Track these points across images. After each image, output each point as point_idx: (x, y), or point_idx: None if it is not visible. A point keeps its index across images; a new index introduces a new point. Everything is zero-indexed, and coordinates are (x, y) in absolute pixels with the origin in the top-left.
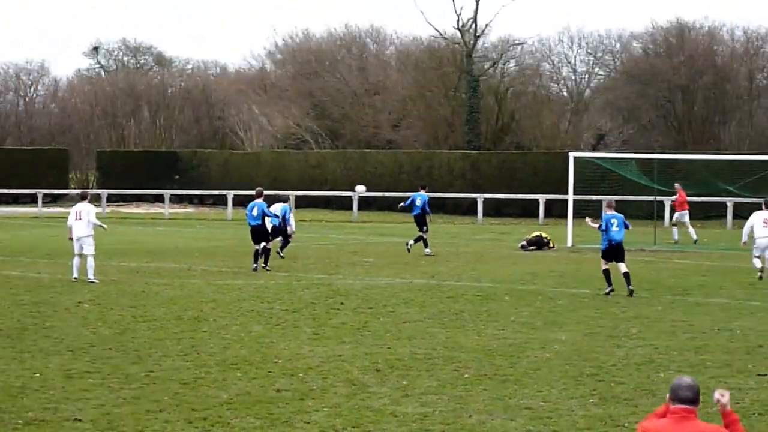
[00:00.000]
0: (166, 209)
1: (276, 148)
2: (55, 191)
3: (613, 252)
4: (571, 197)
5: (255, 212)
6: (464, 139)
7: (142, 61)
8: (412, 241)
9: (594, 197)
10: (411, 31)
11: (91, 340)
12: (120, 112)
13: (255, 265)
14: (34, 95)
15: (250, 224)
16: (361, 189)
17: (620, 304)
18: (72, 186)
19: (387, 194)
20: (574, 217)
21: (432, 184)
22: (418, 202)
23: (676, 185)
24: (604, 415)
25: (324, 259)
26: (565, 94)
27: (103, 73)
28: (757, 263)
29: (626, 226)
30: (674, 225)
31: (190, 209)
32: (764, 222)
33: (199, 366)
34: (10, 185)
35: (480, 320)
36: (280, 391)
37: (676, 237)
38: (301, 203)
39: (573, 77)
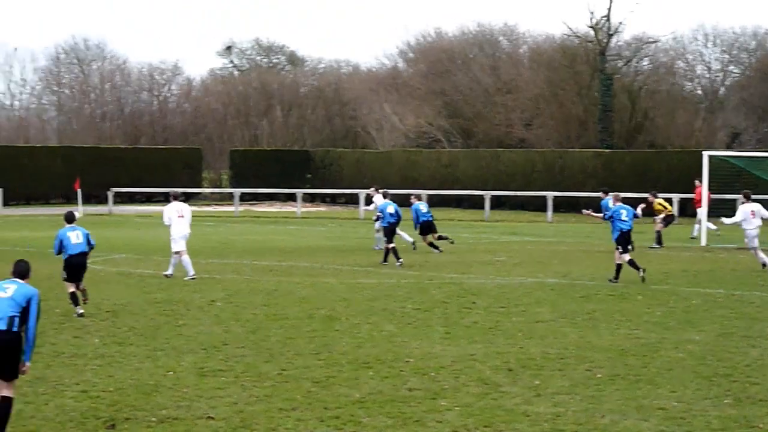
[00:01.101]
0: (299, 208)
1: (408, 147)
2: (189, 190)
3: (624, 241)
4: (705, 196)
5: (391, 210)
6: (597, 138)
7: (275, 61)
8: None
9: (728, 196)
10: (544, 29)
11: (224, 338)
12: (253, 111)
13: (400, 261)
14: (168, 95)
15: (390, 222)
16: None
17: (755, 305)
18: (205, 185)
19: (519, 193)
20: (708, 216)
21: (564, 182)
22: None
23: (696, 182)
24: (738, 416)
25: (456, 258)
26: (700, 92)
27: (236, 72)
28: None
29: (635, 216)
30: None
31: (322, 208)
32: (752, 214)
33: (331, 365)
34: (144, 184)
35: (613, 320)
36: (411, 390)
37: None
38: (433, 202)
39: (707, 75)
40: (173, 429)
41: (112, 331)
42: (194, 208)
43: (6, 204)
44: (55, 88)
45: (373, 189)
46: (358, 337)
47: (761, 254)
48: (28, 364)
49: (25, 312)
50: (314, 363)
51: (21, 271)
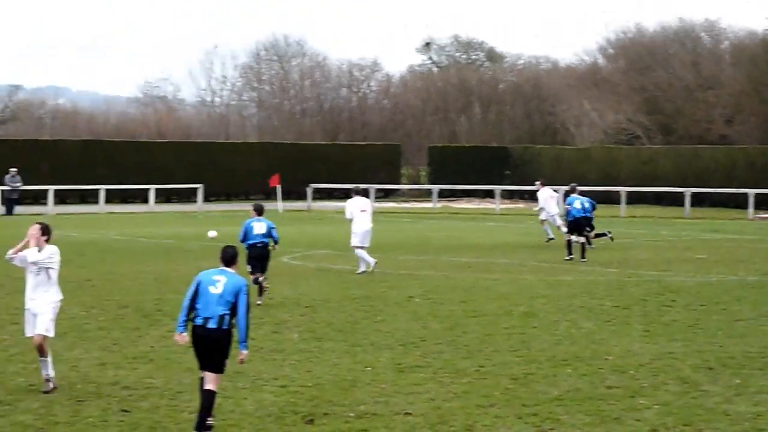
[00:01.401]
0: (497, 204)
1: (606, 143)
2: (387, 186)
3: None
4: None
5: (578, 205)
6: None
7: (474, 57)
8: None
9: None
10: (746, 24)
11: (421, 334)
12: (451, 107)
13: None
14: (367, 91)
15: (575, 217)
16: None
17: None
18: (403, 181)
19: (719, 190)
20: None
21: (767, 180)
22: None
23: None
24: None
25: (655, 256)
26: None
27: (434, 69)
28: None
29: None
30: None
31: (521, 204)
32: None
33: (530, 362)
34: (342, 180)
35: None
36: (610, 388)
37: None
38: (632, 199)
39: None
40: (371, 425)
41: (310, 327)
42: (392, 204)
43: (206, 200)
44: (256, 85)
45: (538, 183)
46: (556, 335)
47: None
48: (245, 352)
49: (234, 307)
50: (512, 360)
51: (227, 258)
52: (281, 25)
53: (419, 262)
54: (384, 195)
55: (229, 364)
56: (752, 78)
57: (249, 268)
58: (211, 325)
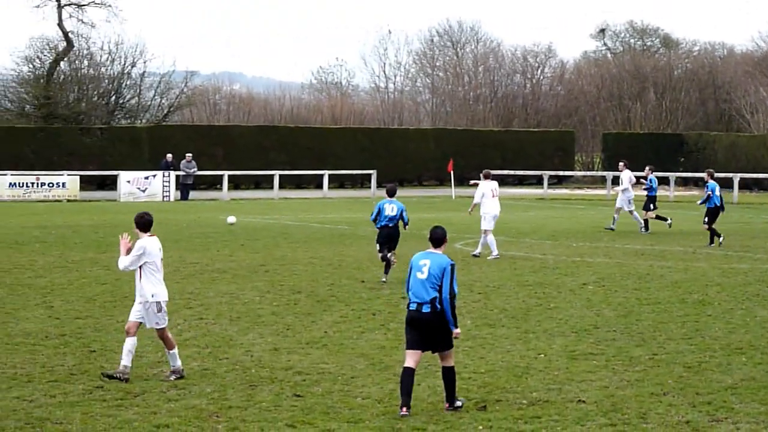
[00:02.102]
0: (671, 192)
1: None
2: (560, 173)
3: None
4: None
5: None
6: None
7: (649, 43)
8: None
9: None
10: None
11: (595, 321)
12: (626, 94)
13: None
14: (541, 77)
15: (716, 204)
16: (231, 220)
17: None
18: (577, 168)
19: None
20: None
21: None
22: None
23: None
24: None
25: None
26: None
27: (609, 55)
28: None
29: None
30: None
31: (695, 192)
32: None
33: (703, 350)
34: (516, 167)
35: None
36: None
37: None
38: None
39: None
40: (543, 412)
41: (483, 313)
42: (565, 191)
43: (379, 186)
44: (429, 71)
45: (621, 164)
46: (730, 323)
47: None
48: (456, 330)
49: (440, 288)
50: (686, 348)
51: (437, 237)
52: (455, 11)
53: (593, 249)
54: (557, 181)
55: (398, 353)
56: None
57: (378, 247)
58: (426, 309)
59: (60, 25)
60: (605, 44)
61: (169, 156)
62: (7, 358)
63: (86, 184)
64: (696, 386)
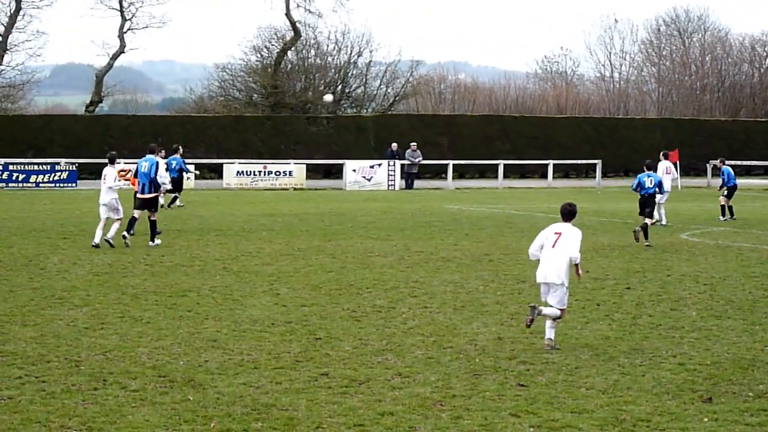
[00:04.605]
0: None
1: None
2: None
3: None
4: None
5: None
6: None
7: None
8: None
9: None
10: None
11: None
12: None
13: None
14: None
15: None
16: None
17: None
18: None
19: None
20: None
21: None
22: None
23: None
24: None
25: None
26: None
27: None
28: None
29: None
30: None
31: None
32: None
33: None
34: (744, 157)
35: None
36: None
37: None
38: None
39: None
40: None
41: (709, 304)
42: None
43: (604, 175)
44: (655, 60)
45: (719, 161)
46: None
47: None
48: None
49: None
50: None
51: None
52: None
53: None
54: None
55: (623, 344)
56: None
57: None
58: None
59: (288, 14)
60: None
61: (394, 145)
62: (235, 344)
63: (312, 172)
64: None
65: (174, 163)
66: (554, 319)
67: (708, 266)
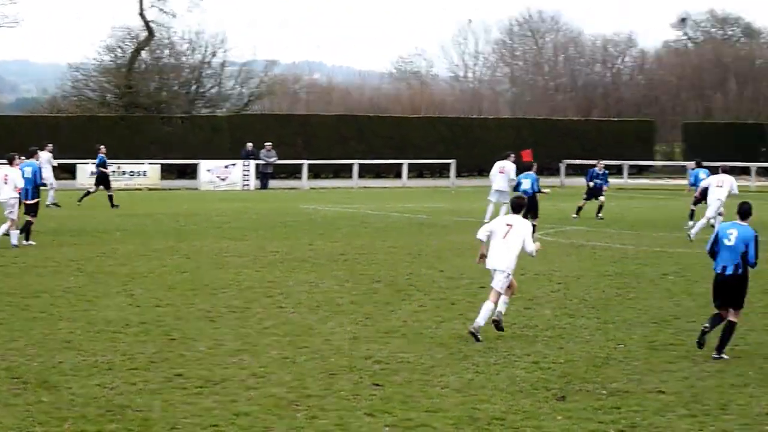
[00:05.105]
0: (752, 182)
1: None
2: (640, 163)
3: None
4: None
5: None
6: None
7: (730, 33)
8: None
9: None
10: None
11: (675, 312)
12: (706, 84)
13: None
14: (622, 67)
15: None
16: None
17: None
18: (657, 158)
19: None
20: None
21: None
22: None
23: None
24: None
25: None
26: None
27: (689, 44)
28: None
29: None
30: None
31: None
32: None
33: None
34: (595, 156)
35: None
36: None
37: None
38: None
39: None
40: (623, 402)
41: (563, 303)
42: (645, 181)
43: (458, 175)
44: (509, 60)
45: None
46: None
47: None
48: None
49: (744, 255)
50: (767, 339)
51: (743, 211)
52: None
53: (673, 239)
54: (637, 171)
55: (477, 343)
56: None
57: None
58: (729, 271)
59: (141, 14)
60: (686, 34)
61: (250, 145)
62: (89, 345)
63: (167, 172)
64: None
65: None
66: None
67: (562, 265)
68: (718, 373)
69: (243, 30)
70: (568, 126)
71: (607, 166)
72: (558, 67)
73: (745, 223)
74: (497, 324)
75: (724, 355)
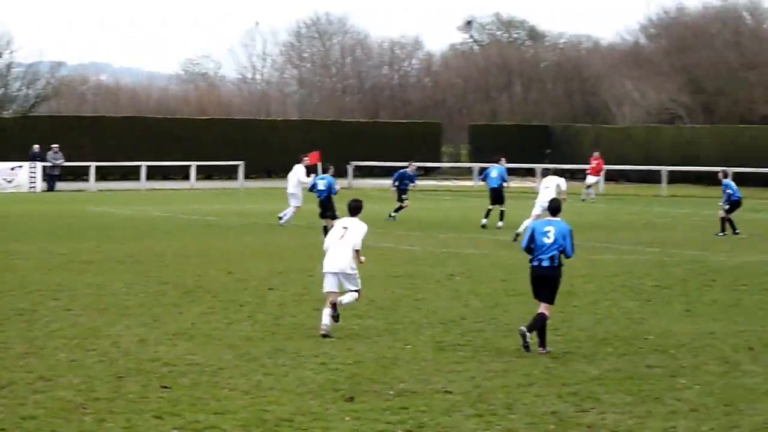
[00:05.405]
0: (538, 183)
1: (648, 123)
2: (428, 164)
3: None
4: None
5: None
6: None
7: (515, 35)
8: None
9: None
10: None
11: (462, 313)
12: (492, 86)
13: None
14: (409, 69)
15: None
16: None
17: None
18: (444, 159)
19: (763, 170)
20: None
21: None
22: (494, 175)
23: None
24: None
25: (696, 236)
26: None
27: (476, 47)
28: None
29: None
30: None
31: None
32: None
33: (570, 341)
34: (383, 158)
35: None
36: (650, 368)
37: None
38: (673, 179)
39: None
40: (411, 402)
41: (351, 305)
42: (432, 182)
43: (247, 177)
44: (297, 62)
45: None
46: (596, 314)
47: None
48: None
49: (563, 249)
50: (552, 339)
51: (553, 208)
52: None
53: (460, 240)
54: (424, 173)
55: (265, 344)
56: None
57: None
58: (545, 264)
59: None
60: (472, 36)
61: (36, 147)
62: None
63: None
64: (562, 377)
65: None
66: (346, 301)
67: None
68: (505, 373)
69: (30, 30)
70: (356, 128)
71: (395, 169)
72: (345, 69)
73: (558, 219)
74: (336, 316)
75: (548, 348)
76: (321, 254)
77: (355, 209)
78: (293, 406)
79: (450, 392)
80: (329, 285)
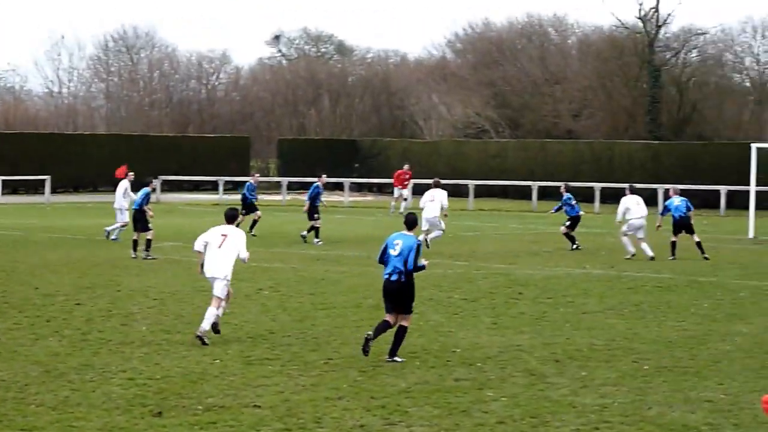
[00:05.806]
0: (346, 197)
1: (455, 137)
2: (237, 179)
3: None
4: (753, 189)
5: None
6: (645, 130)
7: (323, 50)
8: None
9: None
10: (593, 20)
11: (270, 327)
12: (301, 100)
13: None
14: (217, 83)
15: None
16: None
17: None
18: (253, 173)
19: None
20: (756, 208)
21: (612, 174)
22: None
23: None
24: None
25: (503, 249)
26: (748, 84)
27: (284, 61)
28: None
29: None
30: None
31: (369, 197)
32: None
33: (378, 354)
34: (192, 172)
35: (660, 312)
36: (458, 381)
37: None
38: (480, 192)
39: (756, 67)
40: (219, 417)
41: (158, 319)
42: (239, 196)
43: (54, 191)
44: (104, 76)
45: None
46: None
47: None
48: (425, 262)
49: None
50: (360, 353)
51: (409, 221)
52: (131, 17)
53: (268, 254)
54: (233, 187)
55: (73, 360)
56: (598, 73)
57: None
58: (393, 278)
59: None
60: (280, 50)
61: None
62: None
63: None
64: (370, 390)
65: None
66: (217, 308)
67: (158, 281)
68: (313, 387)
69: None
70: (165, 142)
71: (204, 183)
72: (153, 83)
73: (411, 233)
74: (215, 327)
75: (397, 358)
76: (129, 270)
77: (231, 217)
78: (101, 422)
79: (258, 406)
80: (218, 290)
